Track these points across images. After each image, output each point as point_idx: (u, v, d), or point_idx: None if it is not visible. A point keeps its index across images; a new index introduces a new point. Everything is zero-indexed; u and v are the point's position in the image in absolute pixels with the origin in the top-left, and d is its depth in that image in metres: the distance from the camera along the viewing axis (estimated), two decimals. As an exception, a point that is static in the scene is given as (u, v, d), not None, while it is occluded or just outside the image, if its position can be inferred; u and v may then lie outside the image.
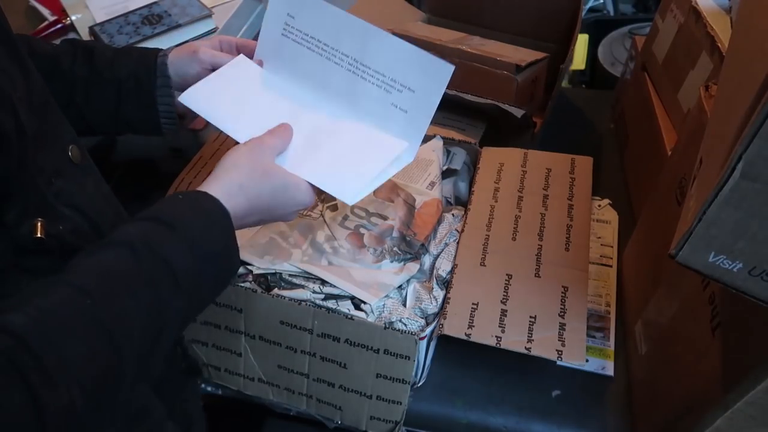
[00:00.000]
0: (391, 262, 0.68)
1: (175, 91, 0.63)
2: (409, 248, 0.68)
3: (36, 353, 0.34)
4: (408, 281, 0.66)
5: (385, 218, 0.71)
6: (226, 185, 0.49)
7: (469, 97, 0.80)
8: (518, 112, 0.78)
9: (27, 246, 0.42)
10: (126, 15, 0.92)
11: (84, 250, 0.42)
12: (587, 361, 0.66)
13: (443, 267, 0.67)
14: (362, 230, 0.70)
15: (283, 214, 0.55)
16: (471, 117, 0.85)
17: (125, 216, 0.55)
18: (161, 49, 0.64)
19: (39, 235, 0.42)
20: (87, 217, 0.47)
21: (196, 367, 0.63)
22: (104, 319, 0.38)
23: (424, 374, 0.65)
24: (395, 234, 0.70)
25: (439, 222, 0.72)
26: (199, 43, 0.64)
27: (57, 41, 0.70)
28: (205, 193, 0.48)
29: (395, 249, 0.68)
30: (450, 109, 0.85)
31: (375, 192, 0.74)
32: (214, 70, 0.62)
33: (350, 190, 0.55)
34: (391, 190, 0.77)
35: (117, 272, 0.41)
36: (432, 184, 0.77)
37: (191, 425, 0.61)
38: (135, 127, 0.65)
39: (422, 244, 0.69)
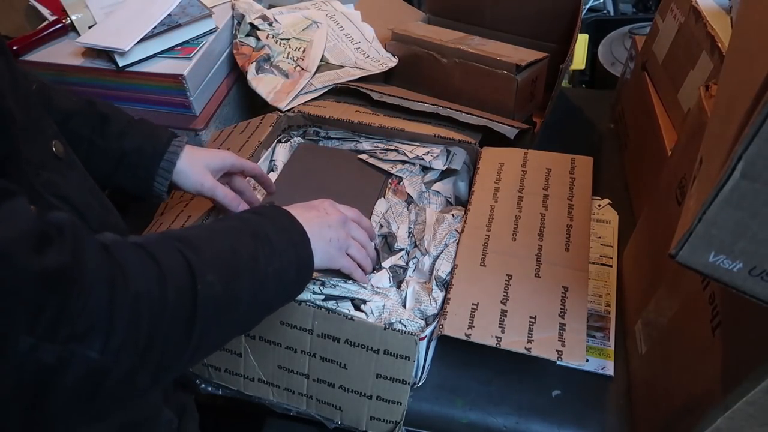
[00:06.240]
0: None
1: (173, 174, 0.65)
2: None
3: (195, 247, 0.44)
4: (408, 282, 0.66)
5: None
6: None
7: (462, 117, 0.80)
8: (511, 133, 0.78)
9: None
10: (126, 15, 0.92)
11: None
12: (587, 361, 0.66)
13: (443, 268, 0.67)
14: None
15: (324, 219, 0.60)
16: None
17: (112, 208, 0.56)
18: (175, 133, 0.66)
19: None
20: (74, 208, 0.48)
21: (191, 383, 0.66)
22: (226, 247, 0.47)
23: (424, 374, 0.65)
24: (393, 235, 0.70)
25: (438, 222, 0.72)
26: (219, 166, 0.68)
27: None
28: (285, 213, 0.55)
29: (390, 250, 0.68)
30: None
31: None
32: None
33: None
34: (388, 191, 0.77)
35: (228, 225, 0.51)
36: (431, 183, 0.77)
37: (184, 413, 0.61)
38: (124, 190, 0.67)
39: (415, 245, 0.69)
